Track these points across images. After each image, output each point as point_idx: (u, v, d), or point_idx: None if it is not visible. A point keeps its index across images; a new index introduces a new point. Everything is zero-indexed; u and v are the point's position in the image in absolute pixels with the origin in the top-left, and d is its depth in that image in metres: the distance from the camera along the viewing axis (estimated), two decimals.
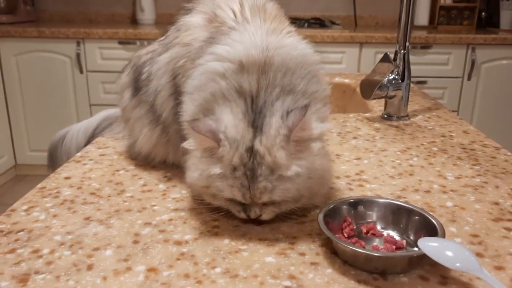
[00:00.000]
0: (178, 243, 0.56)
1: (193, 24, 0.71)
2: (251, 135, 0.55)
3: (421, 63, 2.85)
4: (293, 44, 0.65)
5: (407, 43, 1.06)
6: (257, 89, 0.58)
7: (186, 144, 0.59)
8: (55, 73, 3.03)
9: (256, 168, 0.55)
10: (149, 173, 0.77)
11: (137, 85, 0.76)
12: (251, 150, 0.55)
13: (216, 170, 0.56)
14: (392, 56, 1.08)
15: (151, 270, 0.51)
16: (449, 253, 0.48)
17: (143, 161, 0.81)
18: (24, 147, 3.20)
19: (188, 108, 0.62)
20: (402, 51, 1.06)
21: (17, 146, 3.20)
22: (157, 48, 0.77)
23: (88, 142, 0.99)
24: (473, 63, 2.86)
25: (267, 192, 0.56)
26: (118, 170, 0.78)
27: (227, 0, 0.71)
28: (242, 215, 0.59)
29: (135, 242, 0.57)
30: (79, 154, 0.86)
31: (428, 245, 0.49)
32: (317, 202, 0.64)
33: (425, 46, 2.85)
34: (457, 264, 0.47)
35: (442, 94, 2.92)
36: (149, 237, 0.58)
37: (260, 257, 0.54)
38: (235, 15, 0.68)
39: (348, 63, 2.91)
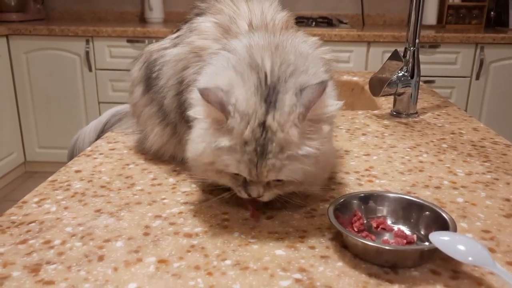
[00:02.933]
0: (188, 235, 0.57)
1: (206, 32, 0.71)
2: (264, 110, 0.54)
3: (429, 62, 2.84)
4: (303, 40, 0.66)
5: (416, 40, 1.05)
6: (271, 64, 0.57)
7: (193, 112, 0.57)
8: (64, 71, 3.05)
9: (267, 144, 0.54)
10: (158, 167, 0.78)
11: (149, 83, 0.76)
12: (263, 125, 0.54)
13: (226, 142, 0.54)
14: (401, 53, 1.07)
15: (162, 261, 0.51)
16: (461, 247, 0.47)
17: (152, 156, 0.81)
18: (33, 144, 3.22)
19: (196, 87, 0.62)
20: (412, 48, 1.06)
21: (27, 143, 3.22)
22: (168, 46, 0.77)
23: (98, 138, 1.00)
24: (481, 62, 2.84)
25: (274, 170, 0.54)
26: (128, 164, 0.79)
27: (240, 14, 0.71)
28: (243, 194, 0.58)
29: (146, 234, 0.57)
30: (89, 148, 0.86)
31: (440, 239, 0.49)
32: (316, 189, 0.63)
33: (433, 45, 2.84)
34: (470, 258, 0.46)
35: (450, 93, 2.91)
36: (160, 230, 0.58)
37: (270, 250, 0.54)
38: (247, 28, 0.69)
39: (355, 62, 2.90)
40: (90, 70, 3.02)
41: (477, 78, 2.89)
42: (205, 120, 0.57)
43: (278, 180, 0.57)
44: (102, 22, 3.40)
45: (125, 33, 2.94)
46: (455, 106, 1.19)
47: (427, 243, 0.52)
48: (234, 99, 0.55)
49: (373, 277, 0.49)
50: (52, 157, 3.19)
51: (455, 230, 0.52)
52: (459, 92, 2.92)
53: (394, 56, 1.04)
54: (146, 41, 2.92)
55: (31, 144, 3.22)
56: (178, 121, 0.72)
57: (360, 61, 2.91)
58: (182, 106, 0.68)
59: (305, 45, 0.66)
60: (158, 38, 0.84)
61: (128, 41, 2.95)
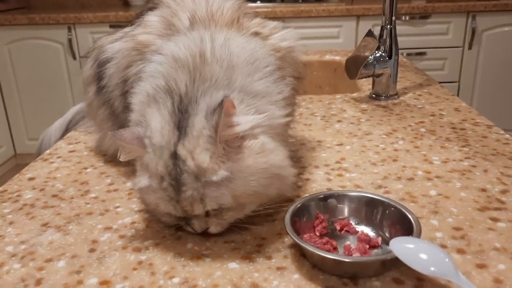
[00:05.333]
0: (137, 249, 0.53)
1: (151, 26, 0.66)
2: (176, 139, 0.50)
3: (420, 34, 2.77)
4: (246, 42, 0.60)
5: (393, 18, 1.00)
6: (185, 84, 0.53)
7: (120, 158, 0.53)
8: (48, 60, 2.98)
9: (180, 177, 0.49)
10: (117, 170, 0.73)
11: (100, 84, 0.71)
12: (175, 156, 0.49)
13: (144, 182, 0.51)
14: (379, 31, 1.02)
15: (104, 283, 0.47)
16: (423, 256, 0.43)
17: (112, 158, 0.77)
18: (22, 137, 3.18)
19: (131, 118, 0.58)
20: (388, 26, 1.00)
21: (16, 136, 3.18)
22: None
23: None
24: (473, 31, 2.77)
25: (196, 202, 0.49)
26: (85, 168, 0.74)
27: (184, 6, 0.65)
28: (189, 229, 0.53)
29: (91, 250, 0.53)
30: (48, 151, 0.82)
31: (401, 247, 0.45)
32: (288, 194, 0.58)
33: (424, 16, 2.76)
34: (432, 269, 0.43)
35: (442, 65, 2.84)
36: (107, 244, 0.54)
37: (223, 263, 0.50)
38: (188, 22, 0.63)
39: (345, 37, 2.83)
40: (74, 58, 2.96)
41: (470, 47, 2.82)
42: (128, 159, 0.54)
43: (214, 209, 0.51)
44: (85, 9, 3.32)
45: (107, 18, 2.86)
46: (438, 84, 1.14)
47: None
48: (149, 131, 0.51)
49: None
50: None
51: (419, 233, 0.48)
52: (452, 63, 2.86)
53: (369, 35, 0.99)
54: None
55: (20, 137, 3.18)
56: (127, 124, 0.67)
57: (350, 36, 2.83)
58: (128, 108, 0.63)
59: (248, 42, 0.60)
60: None
61: (111, 26, 2.87)
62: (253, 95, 0.54)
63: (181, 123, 0.50)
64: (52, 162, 0.77)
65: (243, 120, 0.50)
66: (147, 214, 0.60)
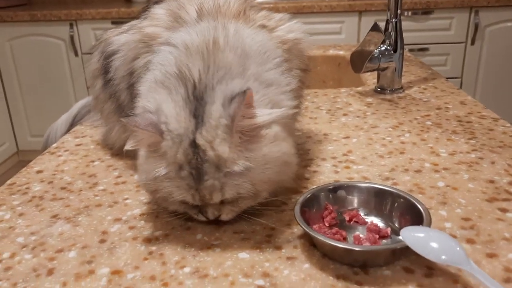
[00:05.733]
0: (148, 240, 0.53)
1: (157, 19, 0.66)
2: (193, 127, 0.49)
3: (422, 30, 2.76)
4: (255, 33, 0.60)
5: (398, 11, 0.99)
6: (199, 71, 0.52)
7: (128, 146, 0.53)
8: (50, 56, 2.98)
9: (201, 166, 0.49)
10: (125, 163, 0.73)
11: (106, 77, 0.71)
12: (194, 144, 0.49)
13: (161, 170, 0.50)
14: (384, 25, 1.02)
15: (115, 272, 0.48)
16: (434, 245, 0.44)
17: (118, 151, 0.77)
18: (25, 133, 3.18)
19: (138, 104, 0.57)
20: (393, 20, 1.00)
21: (18, 132, 3.18)
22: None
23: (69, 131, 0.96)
24: (476, 26, 2.76)
25: (216, 191, 0.49)
26: (93, 161, 0.75)
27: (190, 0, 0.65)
28: (201, 217, 0.53)
29: (102, 241, 0.53)
30: (54, 145, 0.82)
31: (412, 236, 0.45)
32: (288, 185, 0.59)
33: (427, 11, 2.75)
34: (443, 257, 0.43)
35: (445, 60, 2.84)
36: (117, 235, 0.54)
37: (234, 253, 0.50)
38: (196, 14, 0.63)
39: (347, 33, 2.82)
40: (76, 55, 2.96)
41: (472, 43, 2.81)
42: (142, 147, 0.53)
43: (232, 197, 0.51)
44: (87, 5, 3.31)
45: (109, 14, 2.86)
46: (443, 78, 1.14)
47: (400, 237, 0.48)
48: (164, 117, 0.50)
49: (341, 279, 0.45)
50: None
51: (429, 223, 0.49)
52: (454, 59, 2.85)
53: (374, 29, 0.99)
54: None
55: (22, 133, 3.18)
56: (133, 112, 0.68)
57: (352, 32, 2.83)
58: (134, 100, 0.63)
59: (257, 34, 0.60)
60: None
61: (113, 22, 2.87)
62: (265, 84, 0.54)
63: (197, 111, 0.50)
64: (59, 156, 0.77)
65: (262, 113, 0.50)
66: (156, 205, 0.60)
